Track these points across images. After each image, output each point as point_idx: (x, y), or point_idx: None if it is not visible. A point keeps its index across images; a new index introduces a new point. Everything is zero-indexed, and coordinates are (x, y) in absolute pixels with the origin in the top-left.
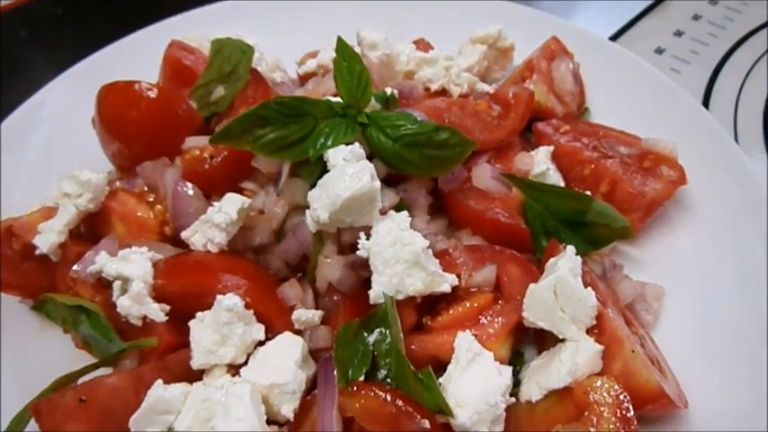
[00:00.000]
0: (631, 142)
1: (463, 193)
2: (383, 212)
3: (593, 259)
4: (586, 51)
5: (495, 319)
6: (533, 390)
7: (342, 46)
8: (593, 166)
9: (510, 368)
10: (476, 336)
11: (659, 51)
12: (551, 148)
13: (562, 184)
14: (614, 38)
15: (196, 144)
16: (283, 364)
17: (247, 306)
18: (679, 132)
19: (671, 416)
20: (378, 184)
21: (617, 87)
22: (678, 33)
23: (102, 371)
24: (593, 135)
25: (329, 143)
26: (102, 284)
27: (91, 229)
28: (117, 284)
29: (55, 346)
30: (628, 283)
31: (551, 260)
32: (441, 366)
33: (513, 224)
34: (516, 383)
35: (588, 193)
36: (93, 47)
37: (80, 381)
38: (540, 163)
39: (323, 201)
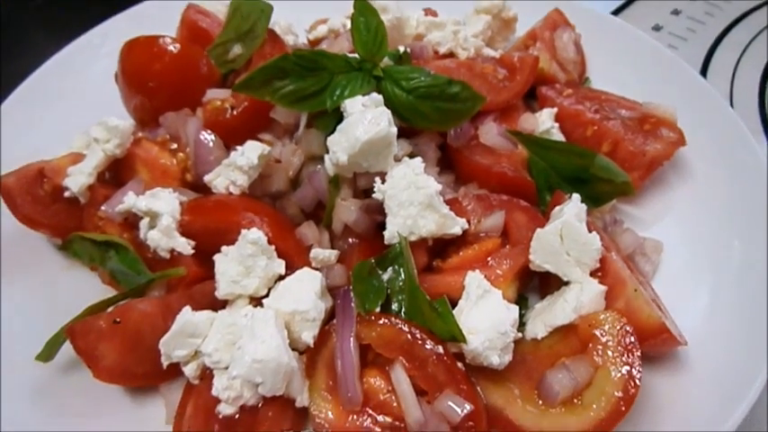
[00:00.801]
0: (632, 106)
1: (470, 149)
2: (397, 160)
3: (595, 216)
4: (587, 24)
5: (503, 261)
6: (539, 328)
7: (360, 3)
8: (595, 127)
9: (516, 306)
10: (484, 276)
11: (657, 29)
12: (555, 109)
13: None
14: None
15: (217, 95)
16: (304, 293)
17: (269, 242)
18: (678, 99)
19: (670, 358)
20: (394, 129)
21: (617, 58)
22: (675, 12)
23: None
24: (594, 99)
25: (346, 94)
26: (129, 224)
27: (116, 175)
28: (144, 222)
29: (81, 283)
30: (629, 235)
31: (557, 208)
32: (450, 305)
33: (519, 177)
34: (521, 325)
35: None
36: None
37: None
38: (544, 122)
39: (342, 144)
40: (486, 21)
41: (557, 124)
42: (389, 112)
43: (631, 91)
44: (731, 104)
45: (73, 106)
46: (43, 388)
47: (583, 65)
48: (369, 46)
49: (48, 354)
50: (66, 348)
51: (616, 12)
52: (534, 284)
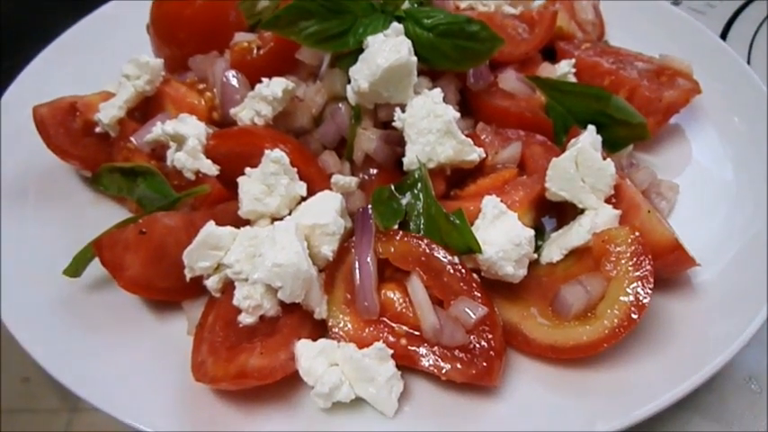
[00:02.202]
0: (648, 60)
1: (490, 94)
2: (417, 92)
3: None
4: None
5: (519, 188)
6: (554, 252)
7: None
8: (612, 77)
9: (532, 230)
10: (501, 201)
11: (676, 3)
12: (573, 60)
13: None
14: None
15: (244, 38)
16: (324, 209)
17: (292, 164)
18: (695, 59)
19: (683, 283)
20: (414, 58)
21: (636, 24)
22: None
23: None
24: (611, 54)
25: (368, 33)
26: (156, 155)
27: (144, 114)
28: (172, 150)
29: (109, 216)
30: (644, 171)
31: (572, 140)
32: None
33: (538, 117)
34: (537, 252)
35: None
36: None
37: None
38: (561, 68)
39: (363, 72)
40: None
41: (573, 70)
42: (410, 41)
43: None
44: None
45: (106, 60)
46: (70, 302)
47: (602, 27)
48: None
49: (75, 269)
50: (93, 269)
51: None
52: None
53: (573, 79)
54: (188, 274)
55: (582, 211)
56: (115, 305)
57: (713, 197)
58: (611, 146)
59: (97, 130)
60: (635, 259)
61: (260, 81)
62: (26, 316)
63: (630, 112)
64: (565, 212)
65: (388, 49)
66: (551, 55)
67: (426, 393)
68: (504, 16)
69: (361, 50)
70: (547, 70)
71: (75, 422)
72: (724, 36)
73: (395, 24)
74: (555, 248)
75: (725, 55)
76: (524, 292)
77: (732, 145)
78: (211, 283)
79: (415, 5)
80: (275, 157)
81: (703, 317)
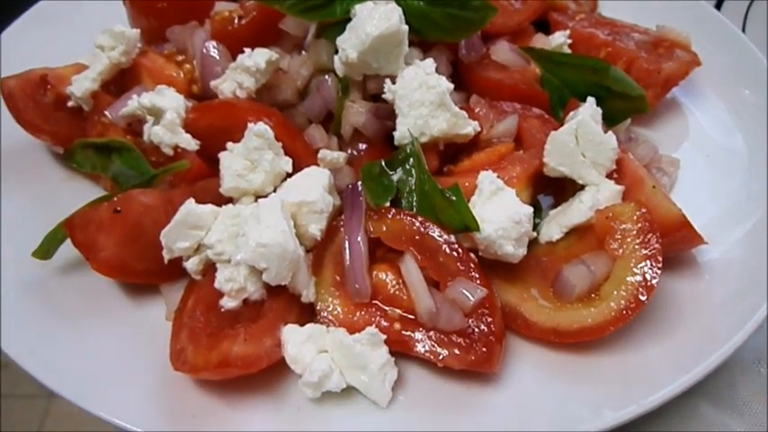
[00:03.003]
0: (645, 32)
1: (482, 66)
2: (408, 63)
3: None
4: None
5: (517, 163)
6: (554, 230)
7: None
8: (609, 48)
9: (530, 207)
10: (498, 177)
11: None
12: (567, 32)
13: None
14: None
15: (225, 7)
16: (311, 186)
17: (276, 138)
18: (691, 30)
19: (689, 262)
20: (405, 27)
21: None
22: None
23: None
24: (607, 25)
25: (355, 1)
26: (133, 131)
27: (120, 88)
28: (149, 124)
29: (82, 194)
30: (645, 146)
31: (571, 113)
32: None
33: (533, 90)
34: (535, 230)
35: None
36: None
37: None
38: (556, 39)
39: (352, 41)
40: None
41: (569, 41)
42: (400, 9)
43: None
44: None
45: (78, 32)
46: (40, 287)
47: (594, 2)
48: None
49: (45, 250)
50: (64, 251)
51: None
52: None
53: (568, 51)
54: (166, 256)
55: (582, 187)
56: (88, 289)
57: (715, 173)
58: (608, 119)
59: (69, 104)
60: (642, 237)
61: (242, 52)
62: None
63: (629, 83)
64: (563, 189)
65: (377, 17)
66: (544, 27)
67: (421, 381)
68: None
69: (348, 20)
70: (541, 41)
71: (53, 408)
72: (719, 6)
73: None
74: (554, 226)
75: (720, 25)
76: (523, 273)
77: (733, 119)
78: (191, 264)
79: None
80: (259, 130)
81: (711, 298)
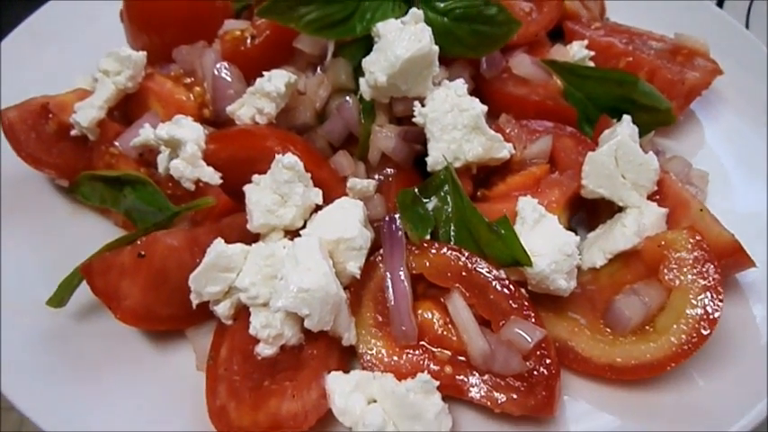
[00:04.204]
0: (662, 39)
1: (503, 81)
2: (435, 84)
3: None
4: None
5: (555, 187)
6: (597, 256)
7: None
8: (629, 58)
9: (571, 233)
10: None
11: None
12: (585, 42)
13: None
14: None
15: (236, 26)
16: (347, 221)
17: (306, 169)
18: (702, 34)
19: (733, 285)
20: (436, 48)
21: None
22: None
23: None
24: (623, 33)
25: (376, 18)
26: (144, 161)
27: (126, 113)
28: (164, 155)
29: (91, 229)
30: (678, 161)
31: (606, 131)
32: None
33: (560, 106)
34: None
35: None
36: None
37: None
38: (576, 52)
39: (381, 63)
40: None
41: (591, 53)
42: (430, 29)
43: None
44: None
45: (73, 47)
46: (55, 337)
47: (602, 5)
48: None
49: (60, 298)
50: (77, 295)
51: None
52: (581, 218)
53: (591, 64)
54: (195, 301)
55: (619, 209)
56: (107, 335)
57: (744, 183)
58: None
59: (73, 133)
60: (700, 266)
61: (254, 73)
62: (5, 356)
63: (658, 97)
64: (596, 209)
65: (407, 38)
66: (557, 35)
67: (475, 425)
68: None
69: (368, 38)
70: (560, 53)
71: (27, 421)
72: (720, 5)
73: (414, 10)
74: (597, 252)
75: (726, 25)
76: (570, 304)
77: (749, 127)
78: (222, 309)
79: None
80: (289, 163)
81: (758, 323)
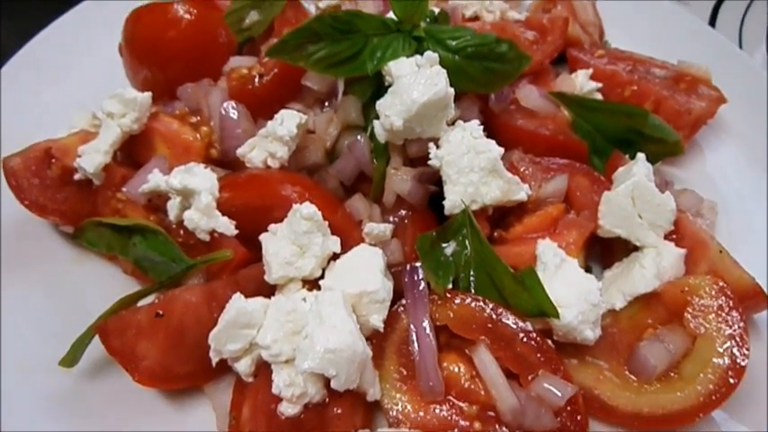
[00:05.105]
0: (664, 66)
1: (511, 114)
2: (449, 124)
3: None
4: None
5: (572, 228)
6: (616, 298)
7: None
8: (634, 87)
9: (592, 276)
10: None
11: None
12: (590, 71)
13: None
14: None
15: (242, 63)
16: (368, 272)
17: (322, 217)
18: (700, 59)
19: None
20: (452, 90)
21: (630, 19)
22: None
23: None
24: (626, 60)
25: (387, 56)
26: (152, 207)
27: (129, 154)
28: (174, 202)
29: (98, 276)
30: (689, 195)
31: (621, 169)
32: None
33: (570, 140)
34: None
35: None
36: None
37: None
38: (583, 84)
39: (396, 107)
40: None
41: (598, 85)
42: (445, 71)
43: (650, 51)
44: None
45: (69, 80)
46: (65, 397)
47: (601, 28)
48: (407, 6)
49: (73, 357)
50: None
51: None
52: (596, 252)
53: (598, 95)
54: (214, 358)
55: (635, 247)
56: (120, 394)
57: (749, 213)
58: None
59: (77, 177)
60: (724, 314)
61: (262, 111)
62: (14, 420)
63: (667, 130)
64: (612, 246)
65: (423, 82)
66: (559, 59)
67: None
68: (513, 24)
69: (377, 74)
70: (566, 83)
71: None
72: (713, 20)
73: (428, 53)
74: (617, 294)
75: (717, 43)
76: (592, 348)
77: (751, 149)
78: (243, 367)
79: (428, 20)
80: (308, 213)
81: None
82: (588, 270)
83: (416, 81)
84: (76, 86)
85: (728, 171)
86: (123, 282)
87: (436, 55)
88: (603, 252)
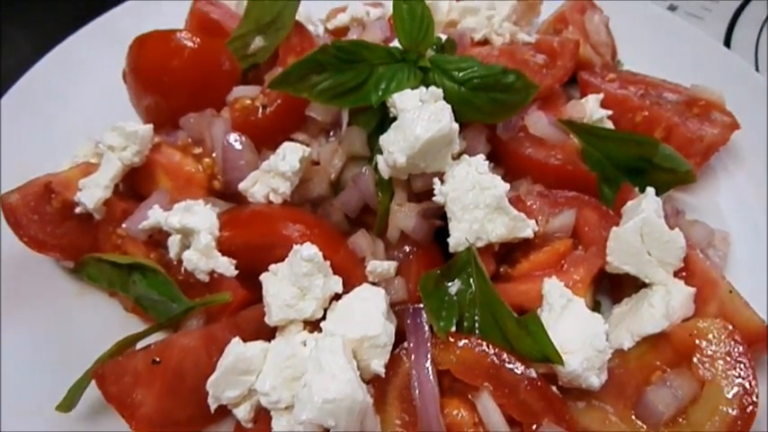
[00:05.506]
0: (676, 90)
1: (519, 142)
2: (454, 158)
3: None
4: (608, 5)
5: (580, 265)
6: (624, 337)
7: None
8: (645, 113)
9: (600, 315)
10: (561, 282)
11: (672, 9)
12: (601, 95)
13: None
14: None
15: (245, 94)
16: (370, 315)
17: (324, 257)
18: (713, 80)
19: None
20: (456, 126)
21: (644, 39)
22: None
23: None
24: (638, 83)
25: (392, 88)
26: (153, 242)
27: (131, 186)
28: (175, 240)
29: (99, 312)
30: (700, 227)
31: (630, 203)
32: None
33: (579, 170)
34: None
35: None
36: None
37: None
38: (593, 110)
39: (399, 144)
40: (512, 4)
41: (608, 112)
42: (449, 106)
43: (664, 72)
44: None
45: (74, 107)
46: None
47: (614, 48)
48: (413, 35)
49: (70, 402)
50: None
51: None
52: (605, 286)
53: (609, 123)
54: (213, 405)
55: (644, 283)
56: None
57: (758, 244)
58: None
59: (78, 210)
60: (733, 361)
61: (265, 142)
62: None
63: (678, 160)
64: (621, 283)
65: (427, 119)
66: (572, 81)
67: None
68: (523, 48)
69: (383, 107)
70: (576, 109)
71: None
72: (728, 38)
73: (432, 89)
74: (625, 333)
75: (732, 64)
76: (599, 391)
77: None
78: (242, 413)
79: (434, 48)
80: (308, 255)
81: None
82: (597, 305)
83: (420, 117)
84: (80, 113)
85: (743, 198)
86: (125, 316)
87: (440, 90)
88: (613, 285)
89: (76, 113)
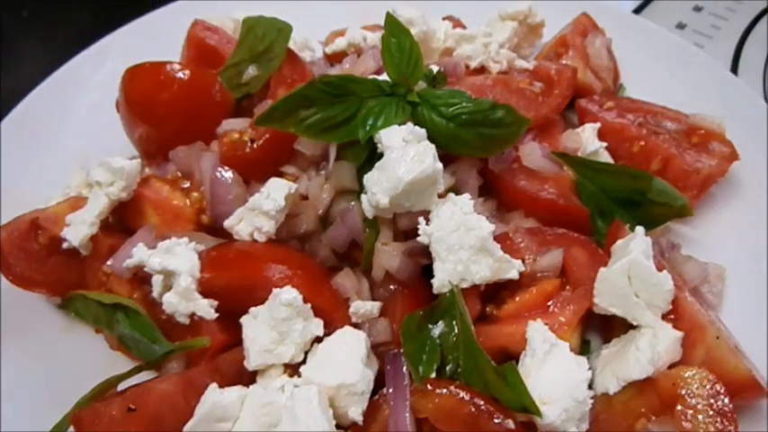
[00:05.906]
0: (676, 118)
1: (512, 174)
2: (441, 196)
3: None
4: (613, 26)
5: (566, 307)
6: (610, 381)
7: (391, 21)
8: (642, 143)
9: (585, 359)
10: (547, 325)
11: (681, 27)
12: (597, 125)
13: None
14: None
15: (234, 127)
16: (348, 361)
17: (304, 300)
18: (717, 106)
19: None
20: (440, 165)
21: (647, 62)
22: (697, 9)
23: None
24: (637, 111)
25: (379, 123)
26: (139, 279)
27: (120, 219)
28: (158, 279)
29: (84, 347)
30: (693, 264)
31: (619, 242)
32: (508, 357)
33: (572, 206)
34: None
35: None
36: (101, 27)
37: (120, 386)
38: (590, 141)
39: (382, 184)
40: (513, 27)
41: (604, 144)
42: (434, 147)
43: (667, 96)
44: (765, 99)
45: (68, 137)
46: None
47: (616, 72)
48: (402, 69)
49: None
50: None
51: (637, 10)
52: (596, 323)
53: (605, 155)
54: None
55: (633, 326)
56: None
57: (757, 278)
58: (648, 223)
59: (65, 245)
60: (715, 414)
61: (254, 175)
62: None
63: (673, 195)
64: (611, 322)
65: (410, 159)
66: (570, 105)
67: None
68: (519, 75)
69: (371, 143)
70: (572, 139)
71: None
72: (736, 59)
73: (416, 129)
74: (611, 377)
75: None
76: None
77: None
78: None
79: (426, 84)
80: (286, 299)
81: None
82: (586, 344)
83: (403, 157)
84: (74, 142)
85: (742, 230)
86: (112, 354)
87: (423, 131)
88: (603, 324)
89: (71, 141)
